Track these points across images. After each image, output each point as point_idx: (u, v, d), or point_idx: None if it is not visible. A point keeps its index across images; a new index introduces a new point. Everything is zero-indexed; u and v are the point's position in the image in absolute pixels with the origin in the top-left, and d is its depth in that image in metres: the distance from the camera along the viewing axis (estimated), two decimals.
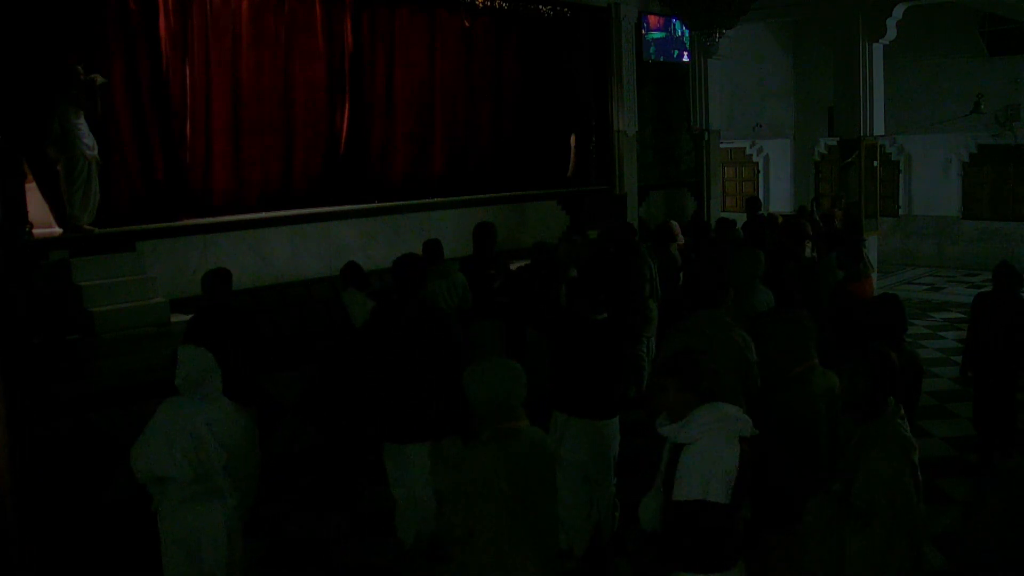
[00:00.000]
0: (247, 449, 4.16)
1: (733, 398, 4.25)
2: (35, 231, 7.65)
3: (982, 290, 6.79)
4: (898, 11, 11.84)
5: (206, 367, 4.12)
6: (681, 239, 8.98)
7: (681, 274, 8.21)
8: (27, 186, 7.65)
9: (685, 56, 13.87)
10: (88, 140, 7.58)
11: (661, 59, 13.59)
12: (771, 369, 4.32)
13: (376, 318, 5.16)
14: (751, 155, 18.78)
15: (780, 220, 11.27)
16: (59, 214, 7.74)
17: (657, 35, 13.52)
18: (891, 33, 11.96)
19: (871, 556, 3.22)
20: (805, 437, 3.86)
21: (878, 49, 12.10)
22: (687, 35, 13.54)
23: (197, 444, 3.94)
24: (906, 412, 3.54)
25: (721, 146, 15.01)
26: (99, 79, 7.68)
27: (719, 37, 11.23)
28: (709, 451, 3.04)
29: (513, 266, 7.85)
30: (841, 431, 3.82)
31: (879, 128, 12.40)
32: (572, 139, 13.06)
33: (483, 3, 11.49)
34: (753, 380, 4.73)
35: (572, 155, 13.08)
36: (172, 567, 4.10)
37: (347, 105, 10.37)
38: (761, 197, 17.21)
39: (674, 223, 9.28)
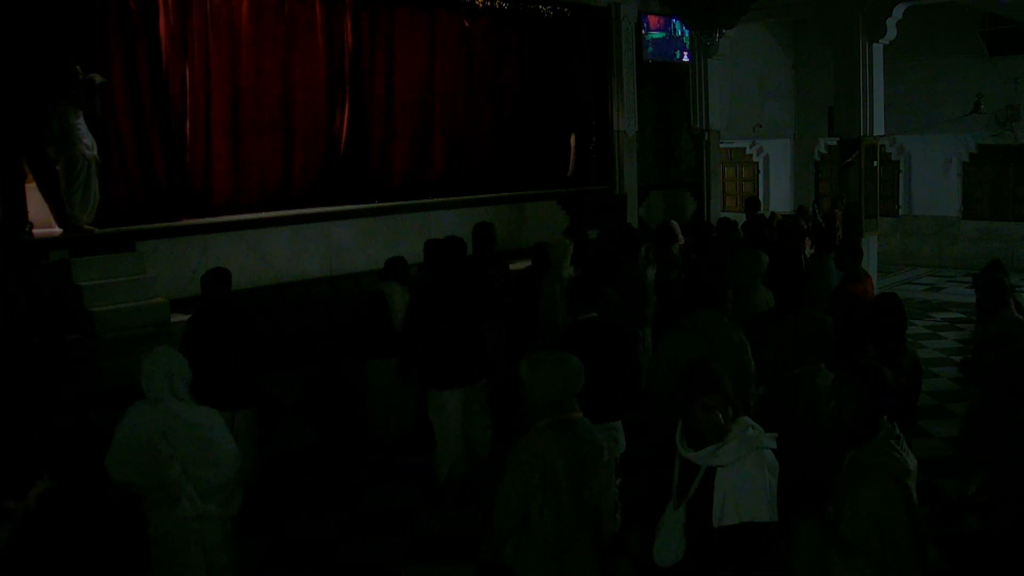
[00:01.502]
0: (209, 457, 3.96)
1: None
2: (35, 231, 7.65)
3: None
4: (898, 11, 11.83)
5: (168, 370, 3.98)
6: (681, 239, 8.98)
7: (681, 274, 8.20)
8: (27, 186, 7.65)
9: (685, 56, 13.87)
10: (88, 140, 7.57)
11: (661, 59, 13.59)
12: (771, 369, 4.31)
13: (425, 288, 6.11)
14: (751, 155, 18.78)
15: (779, 218, 11.28)
16: (59, 214, 7.74)
17: (657, 35, 13.52)
18: (891, 33, 11.95)
19: None
20: (806, 439, 3.84)
21: (878, 49, 12.10)
22: (687, 35, 13.54)
23: (150, 452, 3.85)
24: (906, 412, 3.49)
25: (721, 146, 15.01)
26: (98, 79, 7.67)
27: (719, 37, 11.25)
28: (753, 470, 2.94)
29: (513, 266, 7.85)
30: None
31: (879, 128, 12.39)
32: (572, 139, 13.06)
33: (483, 3, 11.49)
34: (748, 383, 4.71)
35: (572, 155, 13.08)
36: (156, 567, 4.09)
37: (347, 105, 10.37)
38: (761, 197, 17.22)
39: (674, 223, 9.28)
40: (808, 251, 9.20)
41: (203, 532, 4.03)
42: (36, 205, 7.80)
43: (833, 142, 15.46)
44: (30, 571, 3.33)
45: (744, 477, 2.94)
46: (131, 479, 3.92)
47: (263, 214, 9.35)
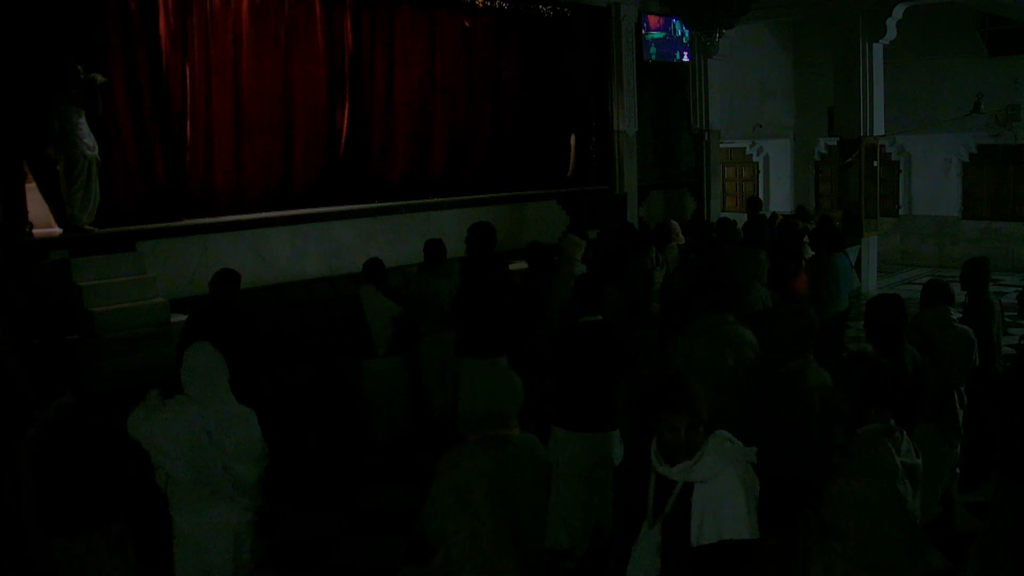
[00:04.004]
0: (250, 453, 4.04)
1: (741, 402, 4.26)
2: (35, 231, 7.65)
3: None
4: (898, 11, 11.84)
5: (209, 366, 4.03)
6: (681, 239, 8.97)
7: (682, 274, 8.19)
8: (27, 186, 7.66)
9: (685, 56, 13.87)
10: (88, 140, 7.58)
11: (661, 59, 13.60)
12: (766, 364, 4.33)
13: (467, 270, 6.75)
14: (751, 155, 18.76)
15: (780, 219, 11.27)
16: (59, 214, 7.75)
17: (657, 35, 13.53)
18: (891, 33, 11.96)
19: None
20: (798, 433, 3.86)
21: (878, 49, 12.10)
22: (687, 35, 13.54)
23: (194, 446, 3.87)
24: (909, 411, 3.48)
25: (721, 146, 15.01)
26: (99, 78, 7.68)
27: (719, 37, 11.25)
28: (732, 485, 2.81)
29: (512, 266, 7.85)
30: (838, 436, 3.79)
31: (879, 128, 12.40)
32: (572, 139, 13.07)
33: (483, 3, 11.50)
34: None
35: (572, 155, 13.09)
36: (181, 566, 4.09)
37: (347, 105, 10.38)
38: (761, 197, 17.20)
39: (674, 223, 9.28)
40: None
41: (237, 525, 4.06)
42: (36, 205, 7.81)
43: (833, 142, 15.45)
44: (50, 469, 3.66)
45: (723, 493, 2.80)
46: (167, 469, 3.92)
47: (263, 214, 9.36)
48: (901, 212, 16.89)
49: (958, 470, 5.33)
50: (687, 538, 2.83)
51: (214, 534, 4.01)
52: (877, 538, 3.00)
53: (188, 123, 9.04)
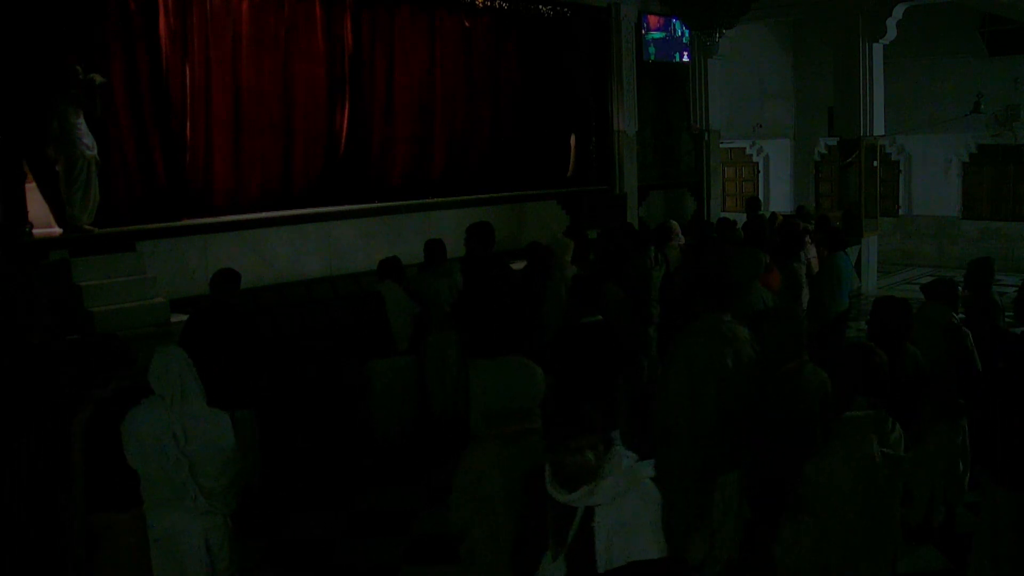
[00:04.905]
0: (217, 459, 3.97)
1: (741, 403, 4.25)
2: (35, 231, 7.65)
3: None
4: (898, 11, 11.85)
5: (179, 369, 3.96)
6: (681, 239, 8.97)
7: (682, 274, 8.18)
8: (27, 186, 7.66)
9: (685, 56, 13.87)
10: (88, 140, 7.58)
11: (661, 59, 13.60)
12: (763, 366, 4.35)
13: (470, 270, 6.82)
14: (751, 155, 18.77)
15: (780, 219, 11.27)
16: (59, 214, 7.75)
17: (657, 35, 13.54)
18: (891, 33, 11.97)
19: (795, 548, 3.14)
20: (796, 433, 3.88)
21: (878, 49, 12.11)
22: (687, 35, 13.55)
23: (158, 448, 3.84)
24: (907, 410, 3.50)
25: (721, 146, 15.01)
26: (98, 78, 7.68)
27: (719, 37, 11.26)
28: (636, 504, 2.66)
29: (512, 266, 7.84)
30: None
31: (879, 128, 12.40)
32: (572, 139, 13.07)
33: (483, 3, 11.50)
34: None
35: (572, 155, 13.09)
36: (158, 566, 4.07)
37: (347, 105, 10.38)
38: (761, 197, 17.19)
39: (674, 223, 9.27)
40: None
41: (208, 531, 4.03)
42: (36, 205, 7.81)
43: (833, 142, 15.45)
44: (105, 446, 3.89)
45: (628, 514, 2.65)
46: (140, 470, 3.92)
47: (263, 214, 9.37)
48: (901, 212, 16.89)
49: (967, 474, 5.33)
50: (594, 565, 2.68)
51: (184, 539, 3.97)
52: (843, 519, 3.09)
53: (188, 123, 9.04)
